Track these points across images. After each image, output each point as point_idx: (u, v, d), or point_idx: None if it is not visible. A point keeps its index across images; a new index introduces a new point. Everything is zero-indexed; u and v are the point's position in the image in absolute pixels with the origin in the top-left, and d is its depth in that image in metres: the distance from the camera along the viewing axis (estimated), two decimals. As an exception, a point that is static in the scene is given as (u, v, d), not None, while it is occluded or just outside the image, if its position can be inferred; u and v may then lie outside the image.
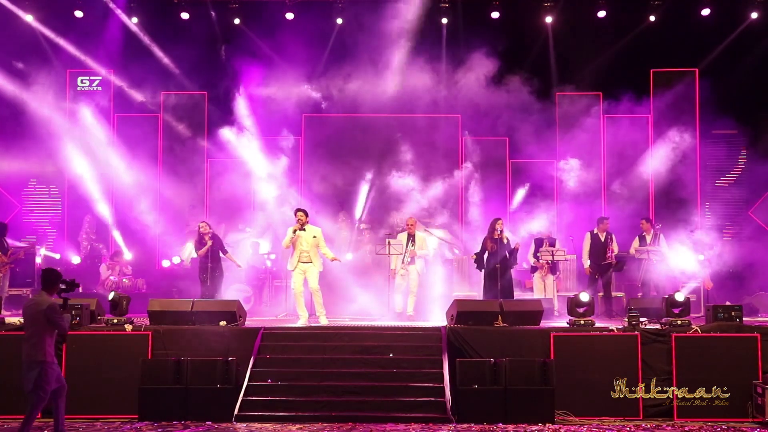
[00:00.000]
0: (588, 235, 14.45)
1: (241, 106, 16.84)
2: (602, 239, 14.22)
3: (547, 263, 14.04)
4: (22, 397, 10.29)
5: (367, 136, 17.30)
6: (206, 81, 17.30)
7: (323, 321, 12.28)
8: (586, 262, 14.22)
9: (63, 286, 8.59)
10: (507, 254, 13.09)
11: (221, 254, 13.64)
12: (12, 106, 16.56)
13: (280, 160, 16.79)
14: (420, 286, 13.79)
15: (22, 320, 11.02)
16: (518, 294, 14.08)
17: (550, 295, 14.01)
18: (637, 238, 14.69)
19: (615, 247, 14.29)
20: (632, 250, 14.50)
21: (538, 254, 14.24)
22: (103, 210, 17.02)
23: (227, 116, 17.07)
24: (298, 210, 12.64)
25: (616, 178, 17.13)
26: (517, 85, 16.19)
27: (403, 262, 13.60)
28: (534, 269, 14.27)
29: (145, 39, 16.89)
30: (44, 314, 8.40)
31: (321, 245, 12.53)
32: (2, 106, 16.55)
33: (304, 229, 12.37)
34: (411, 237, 13.69)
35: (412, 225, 13.84)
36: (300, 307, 12.40)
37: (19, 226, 16.75)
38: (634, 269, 14.73)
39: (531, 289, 14.78)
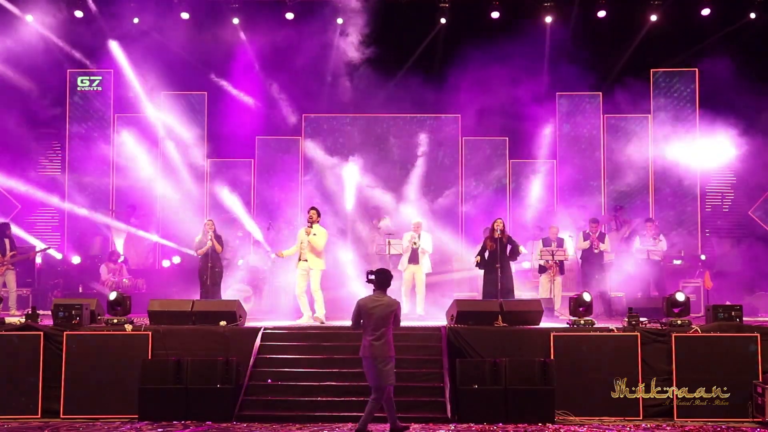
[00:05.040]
0: (581, 235, 14.52)
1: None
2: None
3: (556, 264, 14.00)
4: (21, 398, 10.41)
5: (367, 136, 17.43)
6: (206, 81, 17.32)
7: (321, 315, 12.40)
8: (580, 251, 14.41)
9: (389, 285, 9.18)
10: (507, 253, 13.10)
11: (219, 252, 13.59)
12: (12, 106, 16.57)
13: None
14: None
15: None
16: (518, 294, 14.07)
17: (556, 296, 13.99)
18: (637, 237, 14.72)
19: (606, 247, 14.30)
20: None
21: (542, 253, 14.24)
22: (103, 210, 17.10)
23: (227, 116, 17.18)
24: (311, 208, 12.73)
25: (616, 178, 17.16)
26: (517, 85, 16.18)
27: (411, 243, 13.50)
28: (542, 270, 14.22)
29: (146, 39, 16.89)
30: (394, 313, 8.87)
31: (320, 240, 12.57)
32: (2, 106, 16.55)
33: (311, 227, 12.46)
34: (418, 236, 13.75)
35: (418, 226, 13.83)
36: (303, 306, 12.45)
37: (19, 226, 16.72)
38: (632, 269, 14.75)
39: (531, 290, 14.77)
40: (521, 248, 13.45)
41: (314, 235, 12.44)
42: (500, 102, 16.30)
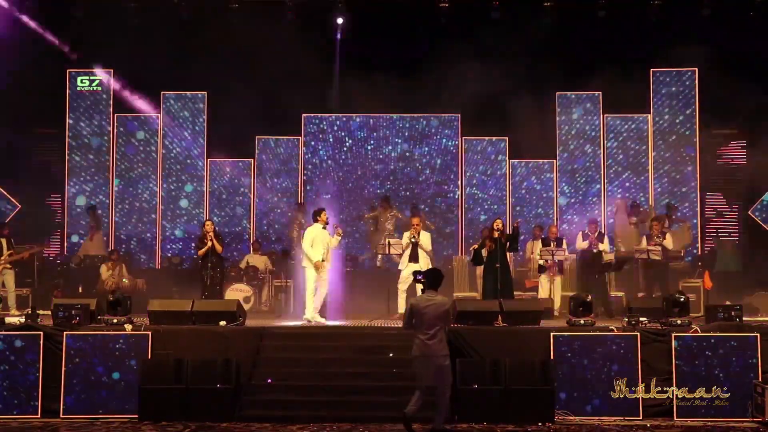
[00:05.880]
0: (580, 235, 14.53)
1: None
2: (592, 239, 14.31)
3: (556, 264, 14.00)
4: (21, 398, 10.40)
5: (366, 136, 17.47)
6: (206, 81, 17.32)
7: (315, 317, 12.44)
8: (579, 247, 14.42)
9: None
10: (508, 245, 13.10)
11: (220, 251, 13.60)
12: (11, 106, 16.56)
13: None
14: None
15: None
16: (518, 294, 14.07)
17: (556, 295, 13.99)
18: (644, 237, 14.72)
19: (605, 248, 14.30)
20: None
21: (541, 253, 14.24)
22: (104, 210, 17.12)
23: (227, 116, 17.21)
24: (322, 210, 12.84)
25: (616, 177, 17.18)
26: (517, 85, 16.19)
27: (410, 239, 13.48)
28: (542, 269, 14.22)
29: (145, 38, 16.87)
30: (447, 312, 9.06)
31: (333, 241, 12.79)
32: (1, 106, 16.56)
33: (326, 229, 12.64)
34: (417, 234, 13.70)
35: (417, 225, 13.75)
36: (309, 302, 12.46)
37: (20, 226, 16.72)
38: (632, 269, 14.76)
39: (531, 290, 14.78)
40: (515, 225, 13.50)
41: (333, 236, 12.67)
42: (500, 101, 16.30)
